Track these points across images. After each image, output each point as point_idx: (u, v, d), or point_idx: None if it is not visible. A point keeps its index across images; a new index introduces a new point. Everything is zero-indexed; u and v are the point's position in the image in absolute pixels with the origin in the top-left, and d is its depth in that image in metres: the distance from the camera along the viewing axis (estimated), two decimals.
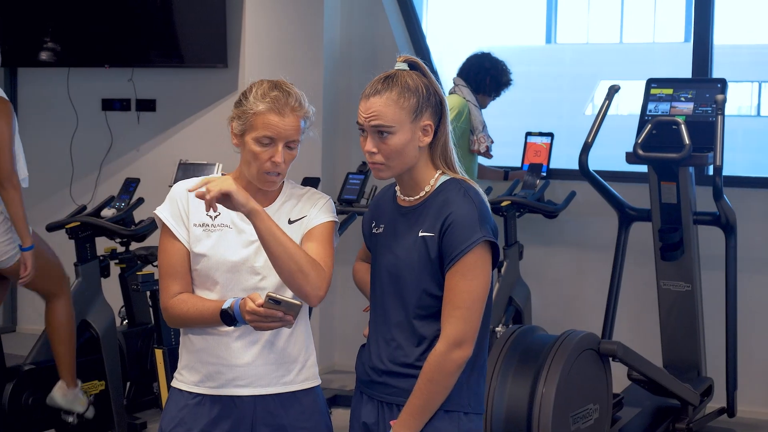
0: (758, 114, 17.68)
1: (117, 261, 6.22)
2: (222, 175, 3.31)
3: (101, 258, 6.06)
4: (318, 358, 7.42)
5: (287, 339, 3.27)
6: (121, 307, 6.48)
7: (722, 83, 5.99)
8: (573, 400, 4.98)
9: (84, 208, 6.33)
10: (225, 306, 3.11)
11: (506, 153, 7.20)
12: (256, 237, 3.19)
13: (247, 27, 7.27)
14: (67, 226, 5.99)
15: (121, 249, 6.25)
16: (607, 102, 6.08)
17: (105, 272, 6.10)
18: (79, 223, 5.99)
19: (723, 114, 5.77)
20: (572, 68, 18.28)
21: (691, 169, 5.93)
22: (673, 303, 6.10)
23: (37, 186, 7.97)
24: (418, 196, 3.16)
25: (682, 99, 6.04)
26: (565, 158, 6.97)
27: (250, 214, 3.06)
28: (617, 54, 18.28)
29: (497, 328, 6.00)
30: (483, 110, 6.69)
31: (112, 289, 6.29)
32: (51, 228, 6.07)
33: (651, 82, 6.14)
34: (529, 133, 6.91)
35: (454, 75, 6.73)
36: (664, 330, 6.17)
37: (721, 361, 6.13)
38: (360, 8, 7.48)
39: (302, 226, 3.27)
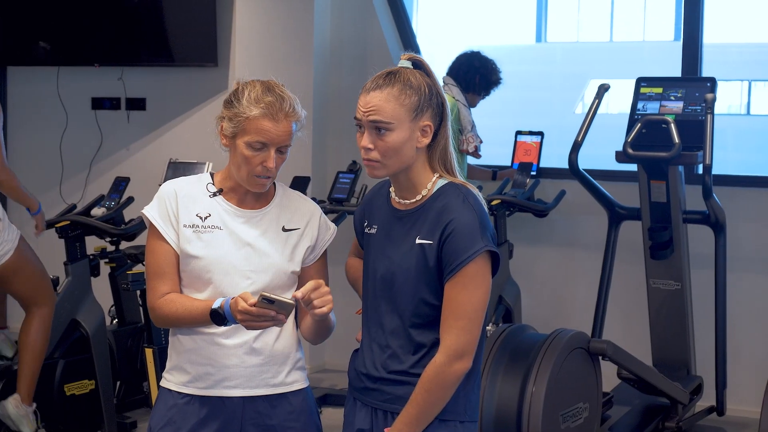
0: (748, 113, 17.72)
1: (107, 260, 6.21)
2: (211, 174, 3.32)
3: (91, 257, 6.06)
4: (308, 357, 7.43)
5: (276, 341, 3.26)
6: (111, 306, 6.47)
7: (712, 82, 6.00)
8: (563, 398, 4.98)
9: (74, 207, 6.32)
10: (215, 305, 3.09)
11: (496, 152, 7.21)
12: (247, 239, 3.23)
13: (237, 26, 7.28)
14: (56, 225, 5.98)
15: (111, 248, 6.24)
16: (597, 101, 6.08)
17: (95, 271, 6.09)
18: (68, 222, 5.99)
19: (712, 113, 5.78)
20: (562, 67, 18.31)
21: (681, 168, 5.94)
22: (662, 302, 6.11)
23: (26, 184, 7.95)
24: (414, 200, 3.08)
25: (672, 98, 6.04)
26: (555, 157, 6.97)
27: (323, 317, 3.09)
28: (607, 53, 18.31)
29: (487, 327, 5.99)
30: (472, 109, 6.69)
31: (101, 289, 6.28)
32: None
33: (641, 81, 6.15)
34: (519, 132, 6.91)
35: (444, 74, 6.73)
36: (654, 329, 6.18)
37: (710, 360, 6.14)
38: (350, 7, 7.48)
39: (298, 239, 3.28)
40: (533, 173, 6.68)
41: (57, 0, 7.74)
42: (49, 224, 6.00)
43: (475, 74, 6.65)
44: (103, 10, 7.59)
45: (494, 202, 6.31)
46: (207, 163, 6.29)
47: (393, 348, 3.07)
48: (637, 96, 6.11)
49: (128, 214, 6.19)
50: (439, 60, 6.89)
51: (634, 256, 6.38)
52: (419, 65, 3.09)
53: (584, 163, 6.08)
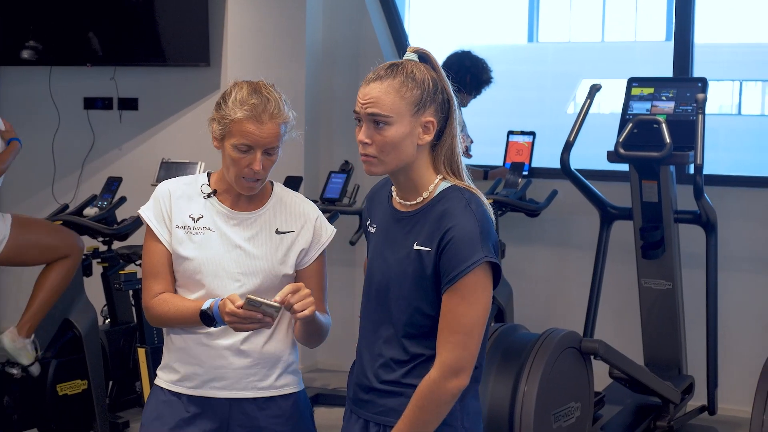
0: (739, 113, 17.76)
1: (99, 260, 6.21)
2: (208, 174, 3.34)
3: (84, 257, 6.06)
4: (301, 357, 7.45)
5: (266, 343, 3.26)
6: (104, 306, 6.46)
7: (703, 82, 6.01)
8: (555, 398, 4.99)
9: (66, 206, 6.33)
10: (204, 306, 3.10)
11: (488, 152, 7.22)
12: (238, 241, 3.23)
13: (229, 26, 7.28)
14: None
15: (103, 248, 6.24)
16: (588, 101, 6.09)
17: (87, 271, 6.10)
18: (61, 222, 5.99)
19: (704, 113, 5.80)
20: (554, 67, 18.33)
21: (672, 168, 5.95)
22: (654, 301, 6.12)
23: (19, 184, 7.97)
24: (415, 202, 2.92)
25: (663, 98, 6.06)
26: (547, 157, 6.98)
27: (310, 320, 3.11)
28: (599, 52, 18.33)
29: None
30: (464, 108, 6.70)
31: (94, 288, 6.28)
32: None
33: (632, 81, 6.17)
34: (511, 132, 6.92)
35: None
36: (646, 328, 6.20)
37: (701, 359, 6.16)
38: (342, 7, 7.48)
39: (292, 242, 3.27)
40: (525, 173, 6.68)
41: (48, 0, 7.74)
42: None
43: (466, 74, 6.66)
44: (96, 9, 7.58)
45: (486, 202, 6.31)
46: (199, 162, 6.30)
47: (386, 357, 2.93)
48: (629, 96, 6.12)
49: (121, 214, 6.18)
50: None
51: (625, 255, 6.40)
52: (426, 59, 2.92)
53: (575, 162, 6.09)
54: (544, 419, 4.90)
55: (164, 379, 3.32)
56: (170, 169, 6.34)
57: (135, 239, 6.05)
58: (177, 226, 3.25)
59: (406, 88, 2.83)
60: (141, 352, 5.46)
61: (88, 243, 6.24)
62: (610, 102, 11.31)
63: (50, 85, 7.95)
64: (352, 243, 6.25)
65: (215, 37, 7.30)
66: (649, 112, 6.02)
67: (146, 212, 3.29)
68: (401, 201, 2.96)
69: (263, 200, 3.30)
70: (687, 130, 5.87)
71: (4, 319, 8.14)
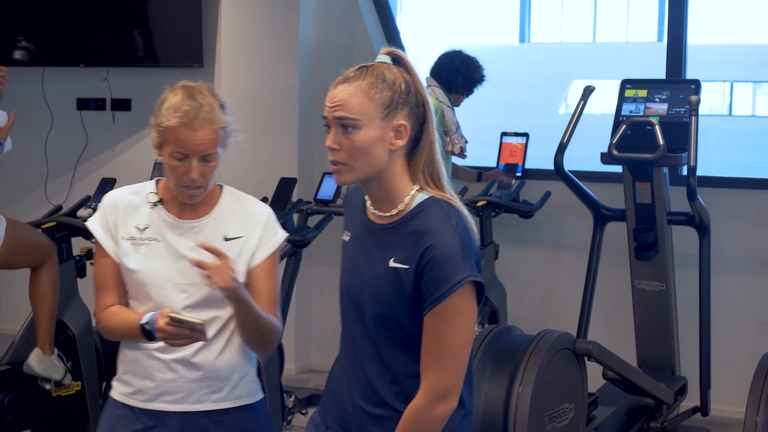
0: (730, 114, 17.79)
1: (93, 261, 6.20)
2: (156, 181, 3.24)
3: (77, 258, 6.05)
4: (294, 357, 7.44)
5: (219, 356, 3.18)
6: None
7: (696, 84, 6.02)
8: (549, 399, 5.00)
9: (60, 208, 6.31)
10: (143, 321, 3.04)
11: (480, 152, 7.23)
12: (184, 251, 3.13)
13: (222, 26, 7.29)
14: (43, 227, 5.96)
15: None
16: (582, 102, 6.09)
17: (81, 272, 6.09)
18: (55, 223, 5.97)
19: (697, 115, 5.81)
20: (546, 67, 18.36)
21: (666, 170, 5.96)
22: (647, 302, 6.13)
23: (11, 186, 7.96)
24: (390, 214, 2.73)
25: (657, 100, 6.07)
26: (539, 158, 7.00)
27: (240, 305, 3.02)
28: (590, 53, 18.35)
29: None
30: (456, 108, 6.70)
31: (88, 290, 6.27)
32: None
33: (626, 83, 6.18)
34: (504, 133, 6.93)
35: (427, 75, 6.73)
36: (639, 329, 6.20)
37: (695, 360, 6.16)
38: (336, 7, 7.48)
39: (241, 248, 3.16)
40: (519, 174, 6.69)
41: (40, 0, 7.73)
42: (36, 225, 5.99)
43: (457, 74, 6.65)
44: (89, 10, 7.58)
45: (480, 203, 6.32)
46: None
47: (369, 374, 2.77)
48: (622, 98, 6.13)
49: None
50: (424, 60, 6.90)
51: (618, 257, 6.41)
52: (399, 61, 2.74)
53: (567, 163, 6.09)
54: (538, 420, 4.91)
55: (118, 391, 3.27)
56: (162, 170, 6.33)
57: None
58: (123, 238, 3.18)
59: (375, 89, 2.67)
60: None
61: (82, 244, 6.23)
62: (602, 103, 11.33)
63: (43, 85, 7.94)
64: None
65: (209, 37, 7.30)
66: (642, 114, 6.03)
67: (93, 224, 3.25)
68: (376, 212, 2.77)
69: (210, 207, 3.21)
70: (680, 131, 5.88)
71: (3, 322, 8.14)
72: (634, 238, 6.04)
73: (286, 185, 6.00)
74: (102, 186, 6.32)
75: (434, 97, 6.53)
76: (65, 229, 5.98)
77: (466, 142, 6.65)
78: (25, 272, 5.77)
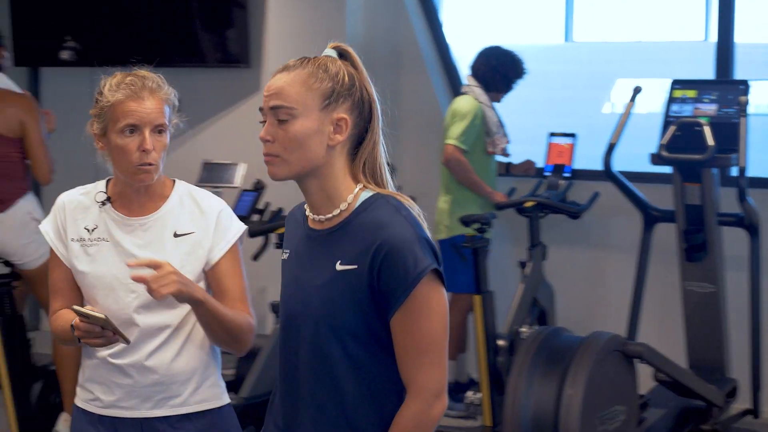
0: None
1: None
2: (107, 181, 3.17)
3: None
4: None
5: (173, 359, 3.06)
6: None
7: (745, 85, 5.99)
8: (599, 401, 4.99)
9: None
10: (73, 322, 2.92)
11: (523, 150, 7.19)
12: (132, 250, 3.05)
13: (269, 26, 7.29)
14: None
15: None
16: (631, 103, 6.09)
17: None
18: None
19: (747, 116, 5.79)
20: (590, 67, 18.29)
21: (715, 171, 5.93)
22: (697, 304, 6.10)
23: (60, 186, 7.99)
24: (331, 215, 2.54)
25: (706, 100, 6.04)
26: (582, 158, 6.96)
27: (195, 305, 2.90)
28: (635, 52, 18.28)
29: (522, 329, 5.99)
30: (497, 104, 6.63)
31: None
32: None
33: (675, 84, 6.15)
34: (552, 134, 6.90)
35: (468, 74, 6.68)
36: (689, 331, 6.17)
37: (745, 362, 6.13)
38: (382, 7, 7.47)
39: (193, 245, 3.06)
40: (566, 175, 6.66)
41: (87, 0, 7.78)
42: None
43: (495, 73, 6.57)
44: (135, 10, 7.61)
45: (528, 204, 6.31)
46: (240, 164, 6.32)
47: (319, 400, 2.55)
48: (671, 98, 6.11)
49: None
50: (468, 60, 6.86)
51: (668, 258, 6.37)
52: (346, 56, 2.61)
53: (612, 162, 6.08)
54: (589, 423, 4.90)
55: (80, 397, 3.20)
56: (212, 171, 6.37)
57: None
58: (72, 239, 3.09)
59: (314, 78, 2.50)
60: None
61: None
62: (647, 102, 11.28)
63: (91, 85, 7.96)
64: None
65: (255, 37, 7.31)
66: (691, 115, 6.00)
67: (45, 227, 3.17)
68: (316, 217, 2.57)
69: (161, 202, 3.11)
70: (730, 132, 5.86)
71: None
72: (683, 239, 6.01)
73: None
74: None
75: (473, 97, 6.49)
76: None
77: (508, 142, 6.62)
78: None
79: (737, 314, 6.27)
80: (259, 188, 6.25)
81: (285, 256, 2.65)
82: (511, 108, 6.85)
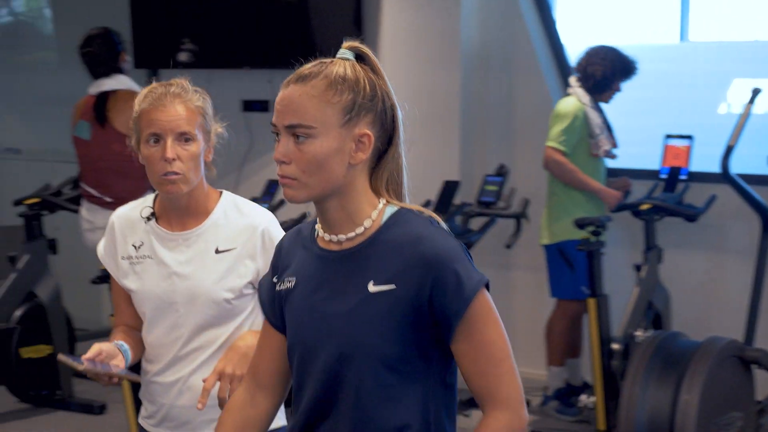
0: None
1: None
2: (156, 195, 3.09)
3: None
4: None
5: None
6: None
7: None
8: (716, 407, 4.95)
9: (48, 186, 6.80)
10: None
11: (637, 152, 7.13)
12: (174, 267, 2.98)
13: (383, 28, 7.33)
14: (25, 202, 6.55)
15: None
16: (749, 104, 6.03)
17: (53, 249, 6.61)
18: (39, 200, 6.55)
19: None
20: (705, 66, 18.05)
21: None
22: None
23: None
24: (354, 234, 2.31)
25: None
26: (698, 159, 6.88)
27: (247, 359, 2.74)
28: (751, 51, 18.00)
29: (637, 333, 5.94)
30: (606, 105, 6.53)
31: (60, 263, 6.95)
32: None
33: None
34: (668, 136, 6.82)
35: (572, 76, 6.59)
36: None
37: None
38: (496, 8, 7.46)
39: (233, 262, 2.96)
40: (683, 177, 6.58)
41: (204, 3, 7.90)
42: (20, 200, 6.59)
43: (597, 74, 6.47)
44: (251, 12, 7.70)
45: (644, 207, 6.26)
46: None
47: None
48: None
49: (281, 215, 6.27)
50: None
51: None
52: (364, 58, 2.36)
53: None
54: (705, 429, 4.86)
55: (141, 414, 3.19)
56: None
57: None
58: (122, 258, 3.04)
59: (333, 91, 2.28)
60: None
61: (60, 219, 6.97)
62: (763, 103, 11.12)
63: (208, 87, 8.07)
64: (508, 246, 6.27)
65: (369, 39, 7.34)
66: None
67: (100, 248, 3.13)
68: (332, 238, 2.34)
69: (204, 216, 3.02)
70: None
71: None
72: None
73: (449, 188, 6.01)
74: (268, 188, 6.43)
75: (576, 98, 6.41)
76: (47, 207, 6.52)
77: (615, 145, 6.52)
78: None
79: None
80: (503, 173, 6.30)
81: (289, 284, 2.40)
82: (625, 109, 6.79)
